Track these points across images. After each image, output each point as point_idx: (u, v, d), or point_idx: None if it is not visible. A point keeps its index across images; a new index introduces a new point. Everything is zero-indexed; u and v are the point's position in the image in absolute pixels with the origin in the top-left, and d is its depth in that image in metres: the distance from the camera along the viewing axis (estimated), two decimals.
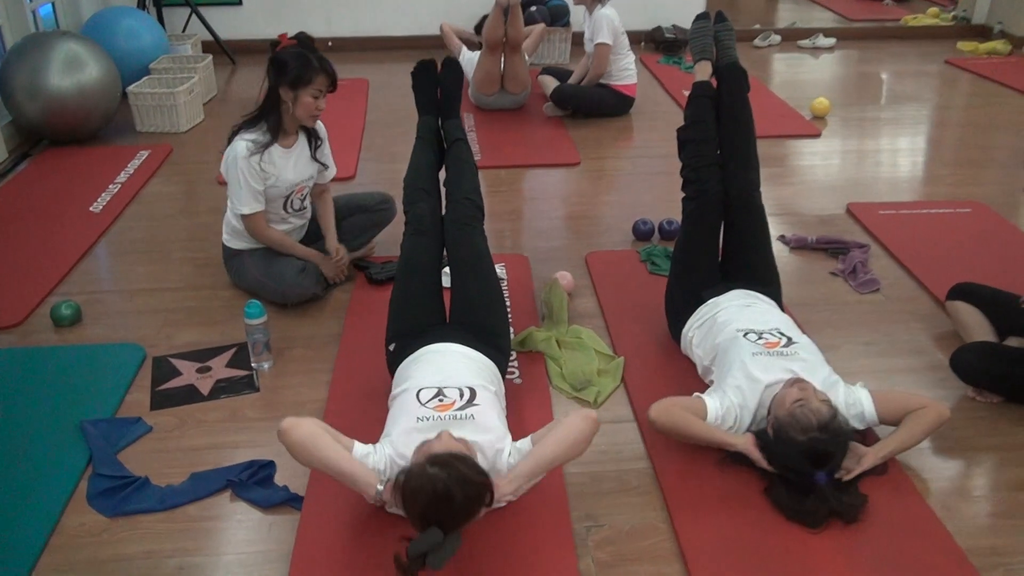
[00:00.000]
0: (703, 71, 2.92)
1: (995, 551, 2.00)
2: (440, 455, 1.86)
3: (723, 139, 2.80)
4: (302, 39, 2.89)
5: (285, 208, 3.05)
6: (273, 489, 2.18)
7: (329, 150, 3.17)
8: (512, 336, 2.73)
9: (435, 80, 3.07)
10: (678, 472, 2.22)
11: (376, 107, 5.26)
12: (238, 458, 2.29)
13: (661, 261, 3.27)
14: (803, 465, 2.03)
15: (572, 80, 5.13)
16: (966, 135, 5.01)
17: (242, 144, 2.88)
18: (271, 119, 2.90)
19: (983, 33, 7.02)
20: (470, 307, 2.48)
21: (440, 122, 3.02)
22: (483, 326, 2.43)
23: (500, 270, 3.23)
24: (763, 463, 2.11)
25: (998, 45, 6.59)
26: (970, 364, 2.53)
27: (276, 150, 2.94)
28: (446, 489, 1.78)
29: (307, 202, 3.15)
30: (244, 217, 2.96)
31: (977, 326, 2.73)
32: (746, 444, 2.15)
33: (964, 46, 6.72)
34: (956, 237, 3.56)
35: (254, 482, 2.19)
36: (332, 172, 3.21)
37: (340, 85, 2.95)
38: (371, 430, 2.13)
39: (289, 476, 2.22)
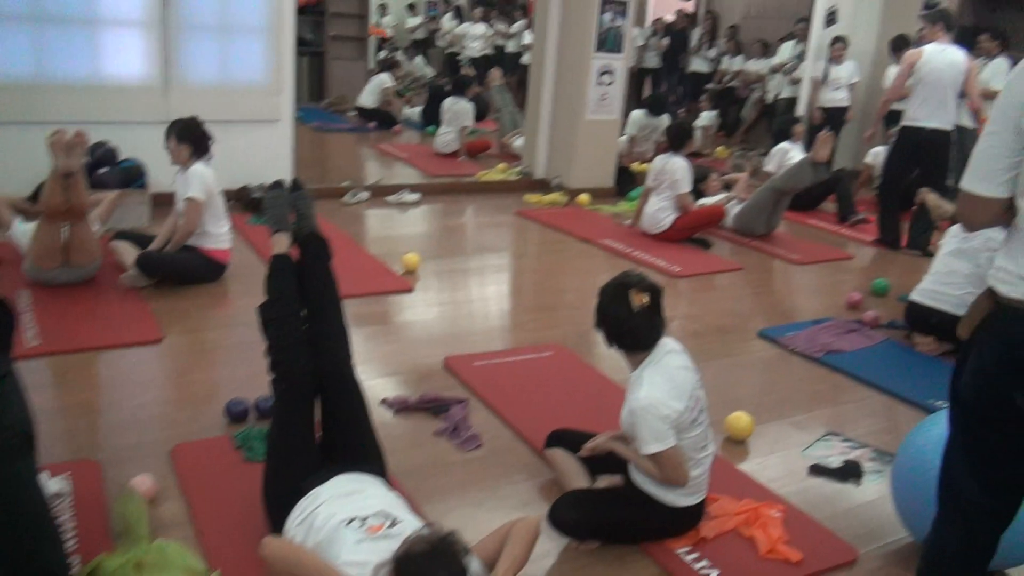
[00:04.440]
0: (280, 244, 2.80)
1: None
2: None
3: (310, 313, 2.68)
4: None
5: None
6: None
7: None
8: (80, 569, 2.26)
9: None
10: None
11: None
12: None
13: (258, 445, 2.97)
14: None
15: (156, 244, 4.72)
16: (541, 280, 5.49)
17: None
18: None
19: (544, 186, 7.93)
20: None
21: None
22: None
23: (63, 482, 2.71)
24: None
25: (557, 196, 7.47)
26: (564, 520, 2.59)
27: None
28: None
29: None
30: None
31: (573, 472, 2.84)
32: None
33: (530, 198, 7.52)
34: (542, 381, 3.77)
35: None
36: None
37: None
38: None
39: None
